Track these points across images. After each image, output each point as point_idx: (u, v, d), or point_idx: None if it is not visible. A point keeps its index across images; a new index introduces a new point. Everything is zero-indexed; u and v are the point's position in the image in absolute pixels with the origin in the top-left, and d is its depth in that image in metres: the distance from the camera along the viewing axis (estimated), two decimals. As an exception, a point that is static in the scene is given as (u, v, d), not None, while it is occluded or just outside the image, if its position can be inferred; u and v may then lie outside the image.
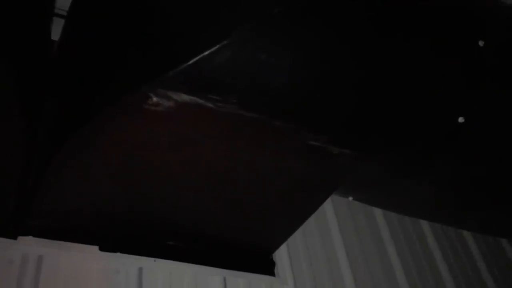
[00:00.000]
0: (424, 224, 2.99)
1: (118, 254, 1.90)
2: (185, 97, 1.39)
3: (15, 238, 1.76)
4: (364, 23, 1.49)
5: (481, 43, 1.62)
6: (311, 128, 1.54)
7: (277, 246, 2.17)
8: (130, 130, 1.49)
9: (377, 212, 2.82)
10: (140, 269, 1.91)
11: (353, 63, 1.50)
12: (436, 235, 2.97)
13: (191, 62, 1.33)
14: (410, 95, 1.62)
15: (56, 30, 2.25)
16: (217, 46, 1.33)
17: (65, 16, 2.26)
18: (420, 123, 1.66)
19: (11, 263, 1.70)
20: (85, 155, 1.56)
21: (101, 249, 1.88)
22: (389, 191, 1.98)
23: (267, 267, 2.20)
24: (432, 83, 1.62)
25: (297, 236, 2.41)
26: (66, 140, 1.52)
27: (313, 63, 1.44)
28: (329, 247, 2.49)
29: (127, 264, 1.90)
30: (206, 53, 1.33)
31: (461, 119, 1.62)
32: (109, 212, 1.85)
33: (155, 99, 1.38)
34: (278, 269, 2.22)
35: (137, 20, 1.54)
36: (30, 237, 1.78)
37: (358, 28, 1.48)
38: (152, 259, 1.96)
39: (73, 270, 1.79)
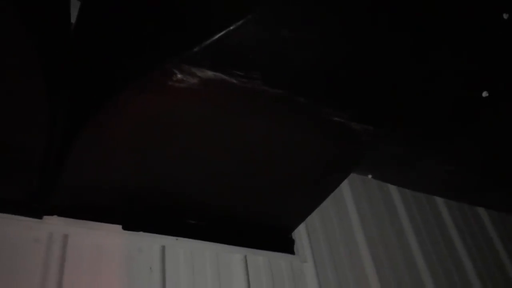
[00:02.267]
0: (439, 201, 2.99)
1: (141, 233, 1.93)
2: (209, 73, 1.39)
3: (40, 217, 1.78)
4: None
5: (505, 16, 1.60)
6: (334, 104, 1.54)
7: (296, 224, 2.18)
8: (154, 106, 1.49)
9: (393, 189, 2.82)
10: (163, 248, 1.93)
11: (376, 40, 1.48)
12: (450, 211, 2.97)
13: (215, 37, 1.33)
14: (433, 71, 1.61)
15: (73, 12, 2.26)
16: (241, 21, 1.33)
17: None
18: (445, 98, 1.65)
19: (37, 242, 1.72)
20: (109, 131, 1.57)
21: (124, 228, 1.90)
22: (408, 170, 1.98)
23: (286, 245, 2.22)
24: (455, 57, 1.61)
25: (314, 215, 2.42)
26: (90, 117, 1.52)
27: (335, 39, 1.43)
28: (347, 225, 2.51)
29: (150, 243, 1.92)
30: (230, 28, 1.32)
31: (485, 93, 1.61)
32: (132, 191, 1.87)
33: (179, 75, 1.38)
34: (297, 247, 2.24)
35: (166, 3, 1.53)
36: (55, 217, 1.80)
37: (374, 5, 1.46)
38: (174, 237, 1.98)
39: (97, 249, 1.81)
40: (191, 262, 1.96)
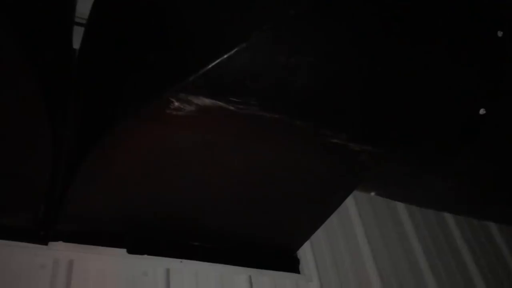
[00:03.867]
0: (448, 216, 2.97)
1: (146, 256, 1.94)
2: (206, 101, 1.41)
3: (46, 243, 1.81)
4: (377, 22, 1.49)
5: (500, 34, 1.61)
6: (331, 126, 1.55)
7: (300, 243, 2.19)
8: (153, 135, 1.52)
9: (400, 206, 2.81)
10: (168, 270, 1.95)
11: (370, 61, 1.50)
12: (459, 226, 2.95)
13: (210, 66, 1.35)
14: (430, 90, 1.62)
15: (77, 38, 2.30)
16: (236, 49, 1.35)
17: (84, 24, 2.30)
18: (442, 117, 1.66)
19: (43, 268, 1.75)
20: (110, 162, 1.59)
21: (129, 251, 1.93)
22: (411, 186, 1.98)
23: (291, 265, 2.22)
24: (452, 76, 1.62)
25: (320, 233, 2.42)
26: (92, 146, 1.55)
27: (330, 63, 1.45)
28: (353, 243, 2.50)
29: (154, 266, 1.93)
30: (225, 56, 1.35)
31: (482, 111, 1.62)
32: (136, 216, 1.90)
33: (176, 104, 1.41)
34: (302, 266, 2.24)
35: (156, 25, 1.57)
36: (60, 242, 1.83)
37: (372, 26, 1.48)
38: (179, 260, 2.00)
39: (103, 273, 1.83)
40: (195, 284, 1.97)
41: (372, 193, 2.13)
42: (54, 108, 1.54)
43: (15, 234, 1.77)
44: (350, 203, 2.64)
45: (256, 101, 1.44)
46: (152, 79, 1.45)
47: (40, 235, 1.81)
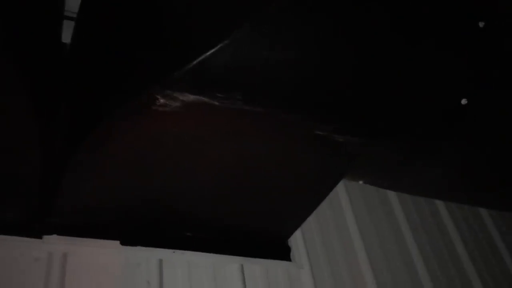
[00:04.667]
0: (439, 203, 3.01)
1: (139, 247, 1.98)
2: (191, 97, 1.44)
3: (40, 237, 1.84)
4: (360, 12, 1.51)
5: (481, 24, 1.63)
6: (316, 118, 1.58)
7: (291, 231, 2.23)
8: (140, 130, 1.55)
9: (391, 194, 2.85)
10: (160, 261, 1.99)
11: (353, 53, 1.52)
12: (450, 212, 2.99)
13: (194, 62, 1.37)
14: (413, 80, 1.64)
15: (67, 33, 2.32)
16: (219, 46, 1.37)
17: (74, 18, 2.31)
18: (424, 107, 1.68)
19: (37, 261, 1.79)
20: (100, 155, 1.62)
21: (122, 243, 1.96)
22: (399, 174, 2.01)
23: (283, 253, 2.27)
24: (433, 67, 1.64)
25: (311, 221, 2.46)
26: (81, 141, 1.58)
27: (312, 56, 1.47)
28: (344, 230, 2.54)
29: (147, 257, 1.98)
30: (209, 53, 1.37)
31: (464, 101, 1.64)
32: (127, 208, 1.93)
33: (162, 100, 1.43)
34: (294, 254, 2.29)
35: (143, 23, 1.58)
36: (55, 236, 1.87)
37: (353, 17, 1.50)
38: (171, 250, 2.04)
39: (96, 265, 1.87)
40: (188, 274, 2.01)
41: (361, 182, 2.16)
42: (41, 105, 1.57)
43: (10, 228, 1.81)
44: (340, 189, 2.68)
45: (240, 96, 1.46)
46: (138, 76, 1.47)
47: (34, 229, 1.84)
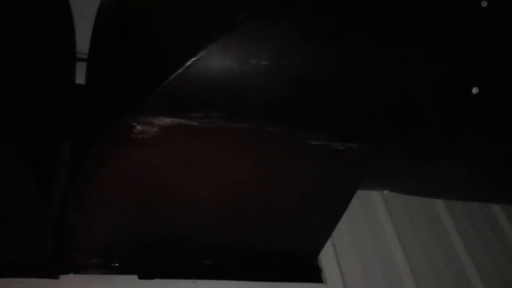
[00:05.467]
0: (494, 205, 2.74)
1: (157, 280, 1.94)
2: (167, 120, 1.39)
3: (57, 277, 1.85)
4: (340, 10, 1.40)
5: (484, 4, 1.46)
6: (306, 128, 1.48)
7: (317, 250, 2.09)
8: (125, 160, 1.51)
9: (437, 200, 2.63)
10: (180, 292, 1.93)
11: (335, 55, 1.41)
12: (508, 215, 2.71)
13: (163, 84, 1.33)
14: (413, 73, 1.50)
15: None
16: (187, 63, 1.32)
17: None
18: (430, 102, 1.53)
19: (54, 302, 1.79)
20: (92, 190, 1.61)
21: (140, 277, 1.93)
22: (421, 179, 1.83)
23: (312, 274, 2.13)
24: (436, 54, 1.49)
25: (344, 237, 2.33)
26: (73, 179, 1.58)
27: (288, 63, 1.37)
28: (382, 244, 2.36)
29: (166, 290, 1.93)
30: (177, 73, 1.32)
31: (475, 90, 1.47)
32: (139, 241, 1.90)
33: (139, 127, 1.39)
34: (325, 274, 2.14)
35: (123, 54, 1.57)
36: (71, 275, 1.87)
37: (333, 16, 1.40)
38: (192, 281, 1.97)
39: (114, 301, 1.84)
40: (210, 305, 1.93)
41: (385, 191, 2.00)
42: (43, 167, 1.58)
43: (27, 270, 1.82)
44: (377, 200, 2.51)
45: (218, 113, 1.39)
46: (114, 107, 1.45)
47: (51, 269, 1.85)
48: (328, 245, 2.23)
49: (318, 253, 2.12)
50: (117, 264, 1.93)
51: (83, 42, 2.42)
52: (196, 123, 1.40)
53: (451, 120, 1.54)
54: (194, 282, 1.97)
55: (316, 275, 2.13)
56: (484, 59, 1.47)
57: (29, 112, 1.63)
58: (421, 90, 1.48)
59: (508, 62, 1.50)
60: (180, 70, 1.33)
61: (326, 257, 2.20)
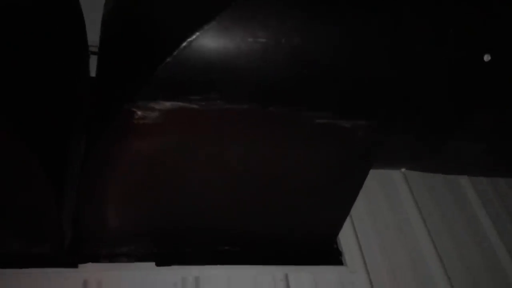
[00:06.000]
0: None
1: (174, 266, 1.94)
2: (167, 104, 1.38)
3: (76, 266, 1.88)
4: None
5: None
6: (309, 106, 1.44)
7: (335, 232, 2.06)
8: (132, 147, 1.51)
9: (461, 177, 2.54)
10: (197, 278, 1.93)
11: (335, 27, 1.36)
12: None
13: (160, 67, 1.31)
14: (420, 44, 1.43)
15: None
16: (182, 46, 1.30)
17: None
18: (443, 73, 1.46)
19: (73, 290, 1.82)
20: (103, 182, 1.61)
21: (157, 264, 1.94)
22: (440, 155, 1.76)
23: (332, 257, 2.10)
24: (443, 22, 1.42)
25: (364, 217, 2.28)
26: (84, 169, 1.59)
27: (286, 40, 1.33)
28: (405, 224, 2.30)
29: (183, 275, 1.92)
30: (173, 55, 1.30)
31: (486, 57, 1.39)
32: (156, 229, 1.91)
33: (139, 113, 1.39)
34: (345, 257, 2.10)
35: (124, 43, 1.56)
36: (89, 264, 1.89)
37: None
38: (209, 266, 1.97)
39: (132, 288, 1.86)
40: (227, 289, 1.93)
41: (402, 169, 1.93)
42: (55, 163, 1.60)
43: (46, 261, 1.86)
44: (398, 179, 2.44)
45: (217, 95, 1.37)
46: (114, 94, 1.44)
47: (69, 259, 1.88)
48: (347, 227, 2.19)
49: (336, 234, 2.08)
50: (134, 252, 1.94)
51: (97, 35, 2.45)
52: (196, 106, 1.38)
53: (464, 91, 1.47)
54: (211, 268, 1.97)
55: (336, 257, 2.09)
56: (494, 25, 1.39)
57: (37, 108, 1.65)
58: (430, 61, 1.42)
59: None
60: (175, 53, 1.31)
61: (346, 239, 2.16)
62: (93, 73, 2.35)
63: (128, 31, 1.47)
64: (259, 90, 1.39)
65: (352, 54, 1.38)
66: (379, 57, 1.39)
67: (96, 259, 1.91)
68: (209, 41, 1.32)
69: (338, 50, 1.37)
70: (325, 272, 2.03)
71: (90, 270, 1.88)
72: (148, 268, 1.92)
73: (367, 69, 1.40)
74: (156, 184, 1.68)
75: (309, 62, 1.36)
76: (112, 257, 1.93)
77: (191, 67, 1.33)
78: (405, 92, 1.44)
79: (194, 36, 1.31)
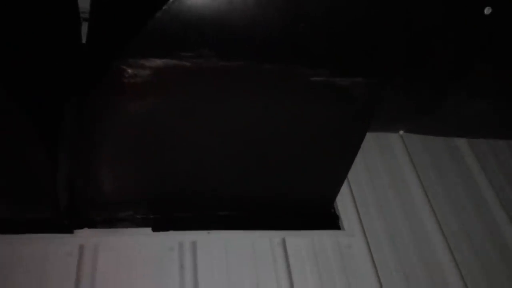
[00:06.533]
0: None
1: (171, 232, 1.93)
2: (158, 62, 1.34)
3: (71, 232, 1.87)
4: None
5: None
6: (304, 63, 1.40)
7: (333, 196, 2.04)
8: (123, 108, 1.48)
9: (459, 139, 2.52)
10: (194, 243, 1.92)
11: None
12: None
13: (149, 23, 1.27)
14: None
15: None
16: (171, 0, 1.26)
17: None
18: (442, 27, 1.41)
19: (69, 255, 1.81)
20: (95, 143, 1.59)
21: (154, 229, 1.93)
22: (439, 116, 1.73)
23: (329, 221, 2.09)
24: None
25: (362, 181, 2.27)
26: (74, 130, 1.56)
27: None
28: (403, 187, 2.28)
29: (180, 240, 1.92)
30: (162, 10, 1.25)
31: (487, 10, 1.35)
32: (151, 194, 1.89)
33: (130, 70, 1.35)
34: (342, 221, 2.09)
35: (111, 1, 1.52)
36: (86, 229, 1.88)
37: None
38: (206, 231, 1.96)
39: (128, 254, 1.85)
40: (225, 254, 1.92)
41: (401, 132, 1.90)
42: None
43: (42, 226, 1.85)
44: (395, 142, 2.42)
45: (210, 51, 1.33)
46: (103, 53, 1.40)
47: (65, 224, 1.87)
48: (345, 191, 2.18)
49: (333, 199, 2.07)
50: (131, 218, 1.93)
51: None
52: (188, 63, 1.35)
53: (464, 47, 1.43)
54: (208, 233, 1.96)
55: (333, 222, 2.08)
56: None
57: (30, 72, 1.62)
58: (428, 14, 1.37)
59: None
60: (165, 7, 1.26)
61: (344, 203, 2.15)
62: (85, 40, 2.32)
63: None
64: (253, 46, 1.35)
65: (348, 8, 1.33)
66: (377, 12, 1.34)
67: (92, 224, 1.90)
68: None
69: (334, 3, 1.32)
70: (322, 236, 2.02)
71: (86, 235, 1.87)
72: (144, 234, 1.92)
73: (366, 25, 1.36)
74: (150, 147, 1.65)
75: (303, 16, 1.32)
76: (109, 223, 1.92)
77: (182, 22, 1.28)
78: (405, 49, 1.40)
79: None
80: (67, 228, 1.87)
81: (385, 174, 2.30)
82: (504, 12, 1.35)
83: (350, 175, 2.12)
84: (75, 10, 2.36)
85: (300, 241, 1.99)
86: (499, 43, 1.43)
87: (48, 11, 1.90)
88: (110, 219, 1.92)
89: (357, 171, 2.24)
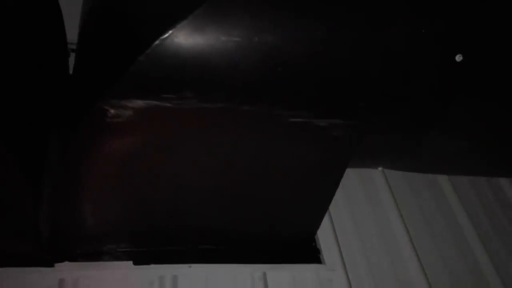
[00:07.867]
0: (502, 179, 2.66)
1: (152, 265, 1.94)
2: (140, 103, 1.37)
3: (52, 265, 1.86)
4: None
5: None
6: (285, 106, 1.44)
7: (313, 230, 2.06)
8: (107, 146, 1.50)
9: (440, 176, 2.57)
10: (175, 277, 1.92)
11: (309, 26, 1.36)
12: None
13: (132, 65, 1.31)
14: (395, 44, 1.44)
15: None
16: (154, 44, 1.29)
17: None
18: (419, 72, 1.46)
19: (49, 289, 1.81)
20: (79, 181, 1.60)
21: (135, 263, 1.93)
22: (419, 154, 1.77)
23: (310, 255, 2.11)
24: (415, 23, 1.43)
25: (343, 216, 2.29)
26: (58, 167, 1.58)
27: (260, 38, 1.33)
28: (383, 222, 2.31)
29: (161, 274, 1.92)
30: (145, 53, 1.30)
31: (458, 57, 1.41)
32: (134, 227, 1.90)
33: (112, 111, 1.38)
34: (323, 255, 2.11)
35: (95, 41, 1.55)
36: (66, 262, 1.88)
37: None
38: (187, 265, 1.97)
39: (108, 287, 1.85)
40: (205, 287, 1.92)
41: (380, 168, 1.94)
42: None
43: (22, 260, 1.84)
44: (377, 177, 2.45)
45: (191, 93, 1.37)
46: (86, 92, 1.43)
47: (46, 258, 1.86)
48: (326, 225, 2.20)
49: (314, 233, 2.09)
50: (112, 251, 1.93)
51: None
52: (169, 104, 1.38)
53: (440, 90, 1.48)
54: (190, 267, 1.96)
55: (314, 256, 2.10)
56: (464, 25, 1.40)
57: (15, 107, 1.64)
58: (404, 60, 1.43)
59: (491, 26, 1.42)
60: (148, 51, 1.30)
61: (325, 238, 2.17)
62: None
63: (103, 29, 1.46)
64: (233, 89, 1.39)
65: (326, 53, 1.38)
66: (354, 56, 1.39)
67: (73, 258, 1.90)
68: (182, 39, 1.31)
69: (312, 48, 1.37)
70: (303, 270, 2.04)
71: (66, 269, 1.86)
72: (125, 267, 1.92)
73: (344, 71, 1.41)
74: (132, 183, 1.67)
75: (282, 61, 1.36)
76: (89, 256, 1.92)
77: (164, 66, 1.32)
78: (383, 92, 1.45)
79: (167, 34, 1.30)
80: (48, 262, 1.86)
81: (366, 208, 2.33)
82: (475, 58, 1.41)
83: (331, 208, 2.15)
84: (62, 41, 2.39)
85: (281, 275, 2.01)
86: (471, 86, 1.48)
87: (35, 42, 1.93)
88: (92, 252, 1.92)
89: (339, 205, 2.27)
